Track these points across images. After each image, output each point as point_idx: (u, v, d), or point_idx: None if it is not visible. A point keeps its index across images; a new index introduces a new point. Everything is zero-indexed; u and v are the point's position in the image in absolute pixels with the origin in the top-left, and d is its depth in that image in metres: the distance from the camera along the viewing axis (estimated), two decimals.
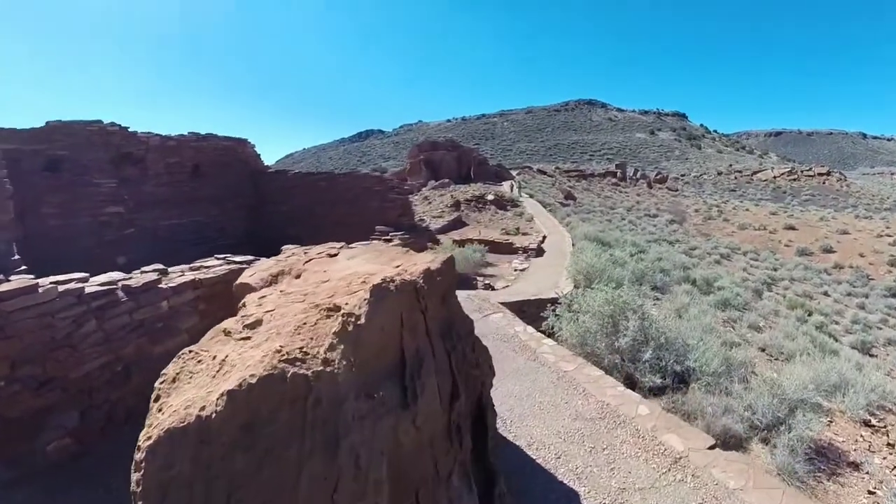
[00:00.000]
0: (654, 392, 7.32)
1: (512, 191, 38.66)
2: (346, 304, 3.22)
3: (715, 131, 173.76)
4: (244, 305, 3.81)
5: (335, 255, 5.52)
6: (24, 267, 6.86)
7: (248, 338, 2.97)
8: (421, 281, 3.80)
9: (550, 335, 8.72)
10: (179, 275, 7.79)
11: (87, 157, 12.71)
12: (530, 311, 10.45)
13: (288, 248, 6.66)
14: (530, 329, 8.41)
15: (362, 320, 3.08)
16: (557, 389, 6.68)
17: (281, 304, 3.44)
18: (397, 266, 4.19)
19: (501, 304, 9.96)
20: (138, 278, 7.16)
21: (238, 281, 5.16)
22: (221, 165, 15.77)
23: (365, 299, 3.23)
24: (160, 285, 7.20)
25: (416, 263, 4.25)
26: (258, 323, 3.14)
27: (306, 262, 5.26)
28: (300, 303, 3.40)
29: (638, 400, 6.67)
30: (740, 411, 6.85)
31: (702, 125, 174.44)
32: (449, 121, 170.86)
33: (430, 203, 32.53)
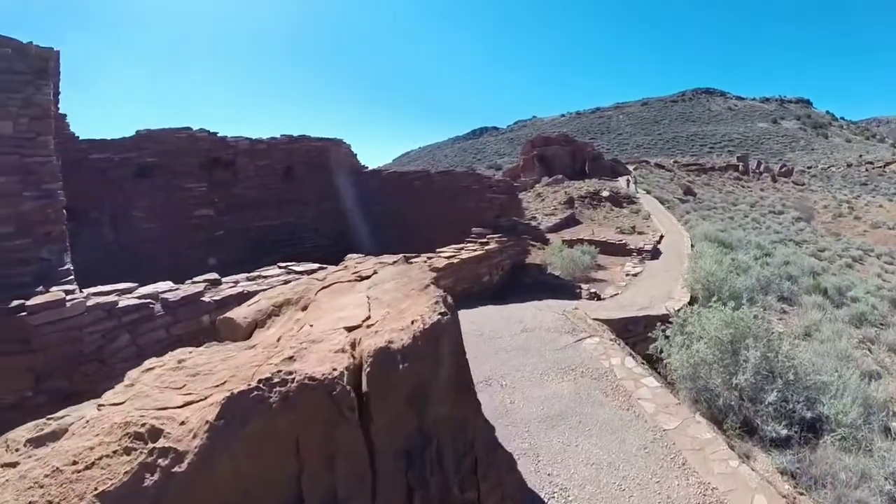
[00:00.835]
0: (777, 444, 5.43)
1: (628, 187, 36.12)
2: (184, 419, 1.81)
3: (842, 118, 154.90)
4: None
5: (368, 276, 4.25)
6: (71, 277, 6.40)
7: None
8: (365, 373, 2.39)
9: (657, 360, 7.00)
10: (230, 286, 7.01)
11: (177, 163, 12.66)
12: (637, 330, 8.68)
13: (351, 258, 6.01)
14: (630, 362, 6.60)
15: (185, 465, 1.65)
16: (650, 458, 4.83)
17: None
18: (366, 324, 2.80)
19: (602, 321, 8.22)
20: (177, 292, 6.41)
21: (224, 315, 4.04)
22: (315, 166, 15.29)
23: (207, 423, 1.76)
24: (202, 298, 6.41)
25: (404, 319, 2.87)
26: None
27: (323, 288, 4.02)
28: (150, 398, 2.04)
29: (756, 485, 4.66)
30: (880, 480, 5.02)
31: (828, 112, 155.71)
32: (563, 115, 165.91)
33: (542, 200, 30.86)
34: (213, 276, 7.25)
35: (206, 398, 1.89)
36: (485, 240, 11.81)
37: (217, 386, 2.01)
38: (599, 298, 11.49)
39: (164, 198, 12.50)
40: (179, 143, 12.68)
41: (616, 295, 11.87)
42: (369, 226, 15.60)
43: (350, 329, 2.83)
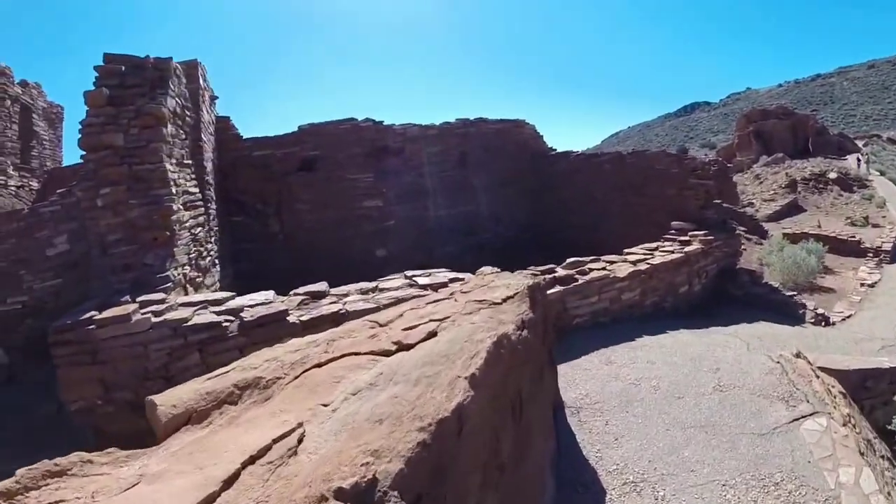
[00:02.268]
0: None
1: (858, 167, 30.14)
2: None
3: None
4: None
5: (411, 344, 2.63)
6: (168, 284, 5.93)
7: None
8: None
9: None
10: (332, 301, 5.78)
11: (340, 155, 12.13)
12: (878, 388, 5.60)
13: (484, 272, 5.41)
14: (868, 481, 3.78)
15: None
16: None
17: None
18: None
19: (831, 372, 5.31)
20: (258, 308, 5.37)
21: (151, 397, 2.62)
22: (494, 150, 13.70)
23: None
24: (287, 318, 5.29)
25: None
26: None
27: (326, 361, 2.51)
28: None
29: None
30: None
31: None
32: (780, 85, 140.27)
33: (761, 183, 26.71)
34: (321, 287, 6.10)
35: None
36: (686, 238, 9.14)
37: None
38: (827, 323, 8.45)
39: (329, 189, 12.11)
40: (342, 134, 12.13)
41: (849, 317, 8.92)
42: (555, 214, 13.65)
43: None
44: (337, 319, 5.23)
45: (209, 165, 9.04)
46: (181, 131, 7.64)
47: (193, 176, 8.05)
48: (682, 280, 8.41)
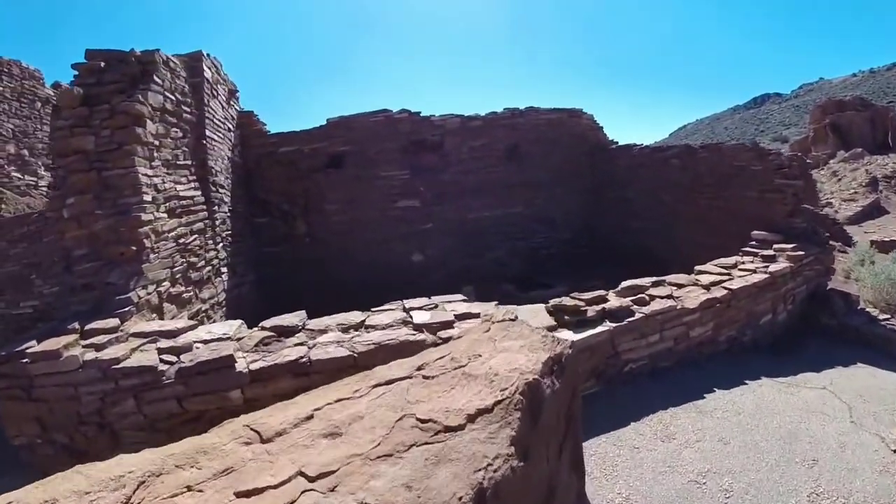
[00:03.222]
0: None
1: None
2: None
3: None
4: None
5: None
6: (128, 308, 5.09)
7: None
8: None
9: None
10: (300, 342, 4.70)
11: (372, 150, 11.06)
12: None
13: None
14: None
15: None
16: None
17: None
18: None
19: None
20: (203, 350, 4.39)
21: None
22: (547, 143, 12.18)
23: None
24: (235, 366, 4.30)
25: None
26: None
27: None
28: None
29: None
30: None
31: None
32: (854, 75, 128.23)
33: (839, 181, 24.45)
34: (293, 319, 5.02)
35: None
36: (770, 252, 7.50)
37: None
38: None
39: (359, 188, 11.12)
40: (374, 127, 11.03)
41: None
42: (615, 217, 12.10)
43: None
44: (296, 370, 4.18)
45: (218, 164, 8.22)
46: (176, 129, 6.82)
47: (193, 177, 7.28)
48: (764, 308, 6.78)
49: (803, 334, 7.12)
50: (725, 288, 6.28)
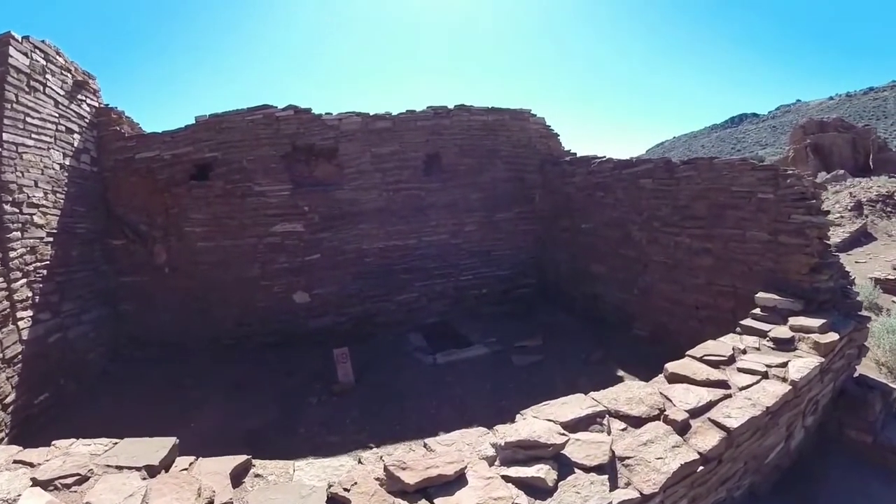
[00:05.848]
0: None
1: None
2: None
3: None
4: None
5: None
6: None
7: None
8: None
9: None
10: None
11: (247, 157, 8.35)
12: None
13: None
14: None
15: None
16: None
17: None
18: None
19: None
20: None
21: None
22: (481, 153, 9.44)
23: None
24: None
25: None
26: None
27: None
28: None
29: None
30: None
31: None
32: (831, 98, 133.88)
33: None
34: None
35: None
36: (784, 329, 4.78)
37: None
38: None
39: (229, 206, 8.35)
40: (251, 128, 8.32)
41: None
42: (571, 254, 9.32)
43: None
44: None
45: (29, 177, 6.37)
46: None
47: None
48: (775, 440, 4.03)
49: (821, 454, 4.66)
50: (715, 423, 3.43)
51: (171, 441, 3.00)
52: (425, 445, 3.23)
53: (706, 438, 3.24)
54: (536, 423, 3.16)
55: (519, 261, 10.02)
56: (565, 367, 7.01)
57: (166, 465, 2.89)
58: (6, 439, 5.56)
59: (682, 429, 3.30)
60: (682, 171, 7.11)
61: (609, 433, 3.22)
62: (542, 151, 9.93)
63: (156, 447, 2.93)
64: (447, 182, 9.32)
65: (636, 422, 3.36)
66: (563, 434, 3.02)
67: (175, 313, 8.27)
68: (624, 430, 3.29)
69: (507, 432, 3.07)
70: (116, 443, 3.02)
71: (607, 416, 3.40)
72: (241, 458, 3.02)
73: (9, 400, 5.68)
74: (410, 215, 9.15)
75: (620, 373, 6.75)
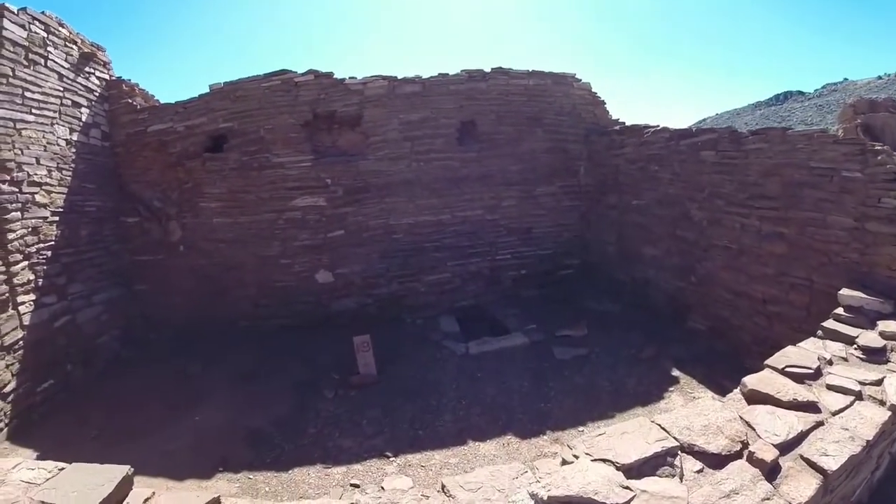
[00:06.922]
0: None
1: None
2: None
3: None
4: None
5: None
6: None
7: None
8: None
9: None
10: None
11: (264, 126, 7.71)
12: None
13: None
14: None
15: None
16: None
17: None
18: None
19: None
20: None
21: None
22: (521, 121, 8.55)
23: None
24: None
25: None
26: None
27: None
28: None
29: None
30: None
31: None
32: (880, 77, 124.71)
33: None
34: None
35: None
36: (873, 336, 3.96)
37: None
38: None
39: (245, 179, 7.79)
40: (268, 96, 7.64)
41: None
42: (621, 234, 8.48)
43: None
44: None
45: (30, 154, 5.98)
46: None
47: None
48: (865, 474, 3.29)
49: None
50: (810, 463, 2.70)
51: (122, 471, 2.54)
52: (443, 488, 2.62)
53: (800, 485, 2.52)
54: (591, 468, 2.48)
55: (561, 240, 9.18)
56: (613, 364, 6.26)
57: (117, 501, 2.41)
58: (5, 430, 5.28)
59: (771, 471, 2.58)
60: (751, 143, 6.14)
61: (682, 478, 2.54)
62: (587, 120, 8.97)
63: (104, 478, 2.48)
64: (483, 152, 8.50)
65: (715, 461, 2.65)
66: (627, 488, 2.35)
67: (190, 294, 7.88)
68: (700, 472, 2.59)
69: (553, 480, 2.41)
70: (63, 468, 2.62)
71: (679, 452, 2.71)
72: (209, 496, 2.53)
73: (8, 389, 5.38)
74: (442, 188, 8.38)
75: (676, 372, 5.99)
